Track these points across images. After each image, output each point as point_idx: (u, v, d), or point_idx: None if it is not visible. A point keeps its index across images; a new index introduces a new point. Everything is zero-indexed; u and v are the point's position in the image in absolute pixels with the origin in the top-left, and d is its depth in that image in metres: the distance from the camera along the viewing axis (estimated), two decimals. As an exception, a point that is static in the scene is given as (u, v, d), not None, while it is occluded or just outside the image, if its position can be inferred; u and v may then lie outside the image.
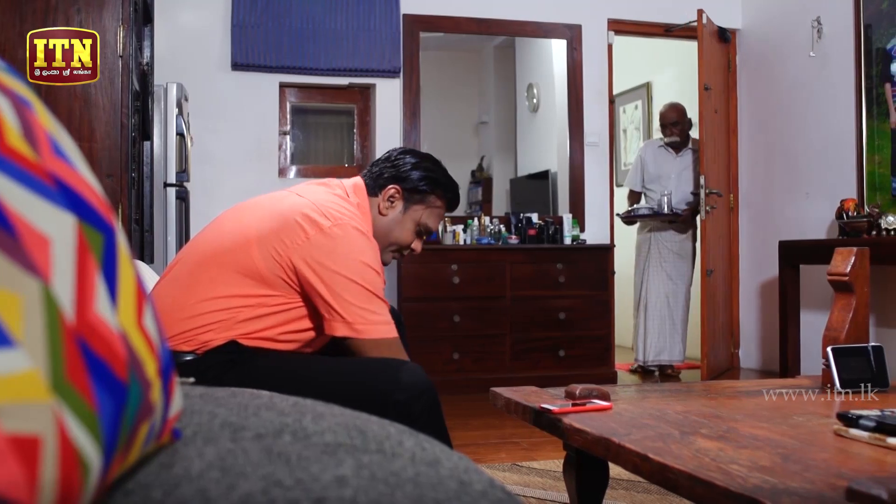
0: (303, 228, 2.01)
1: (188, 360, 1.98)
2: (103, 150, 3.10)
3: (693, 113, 6.01)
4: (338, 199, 2.16)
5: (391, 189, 2.26)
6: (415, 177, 2.28)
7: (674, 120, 5.98)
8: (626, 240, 6.41)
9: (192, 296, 2.02)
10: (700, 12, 5.74)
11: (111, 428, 0.54)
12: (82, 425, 0.50)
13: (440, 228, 5.54)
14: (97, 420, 0.52)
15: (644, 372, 5.95)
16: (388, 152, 2.35)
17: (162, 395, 0.64)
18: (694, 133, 6.08)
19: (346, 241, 2.01)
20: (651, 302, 5.88)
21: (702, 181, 5.65)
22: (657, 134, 6.63)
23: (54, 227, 0.53)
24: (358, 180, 2.30)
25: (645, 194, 6.13)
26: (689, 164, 5.98)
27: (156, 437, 0.64)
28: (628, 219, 6.02)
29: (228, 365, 1.99)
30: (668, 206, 5.82)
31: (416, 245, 2.35)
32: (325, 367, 2.01)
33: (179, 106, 4.39)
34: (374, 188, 2.28)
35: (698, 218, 5.78)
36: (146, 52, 4.17)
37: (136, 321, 0.61)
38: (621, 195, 6.55)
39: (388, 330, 2.03)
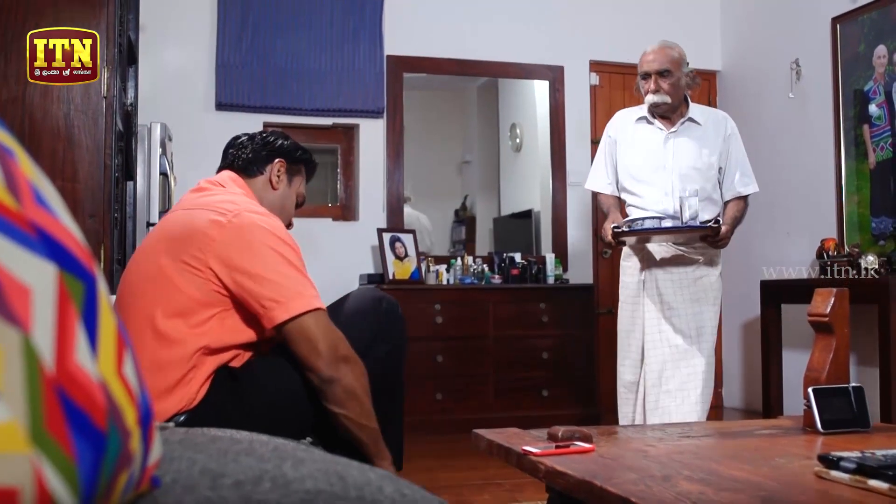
0: (205, 234, 1.96)
1: (184, 419, 1.93)
2: (86, 191, 3.10)
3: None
4: (222, 194, 2.14)
5: (278, 163, 2.26)
6: (292, 148, 2.29)
7: (663, 67, 3.58)
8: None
9: (159, 373, 1.93)
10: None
11: (89, 478, 0.53)
12: (60, 476, 0.50)
13: (423, 268, 5.54)
14: (76, 471, 0.52)
15: None
16: (238, 140, 2.30)
17: (141, 443, 0.64)
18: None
19: (248, 230, 1.97)
20: (648, 374, 3.58)
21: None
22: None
23: (35, 276, 0.54)
24: (229, 173, 2.25)
25: (623, 201, 3.76)
26: (693, 146, 3.62)
27: (135, 485, 0.64)
28: (623, 235, 3.45)
29: (228, 392, 1.97)
30: (690, 213, 3.44)
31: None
32: None
33: (163, 146, 4.39)
34: (253, 170, 2.25)
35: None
36: (130, 93, 4.18)
37: (116, 370, 0.61)
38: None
39: (318, 301, 1.98)
